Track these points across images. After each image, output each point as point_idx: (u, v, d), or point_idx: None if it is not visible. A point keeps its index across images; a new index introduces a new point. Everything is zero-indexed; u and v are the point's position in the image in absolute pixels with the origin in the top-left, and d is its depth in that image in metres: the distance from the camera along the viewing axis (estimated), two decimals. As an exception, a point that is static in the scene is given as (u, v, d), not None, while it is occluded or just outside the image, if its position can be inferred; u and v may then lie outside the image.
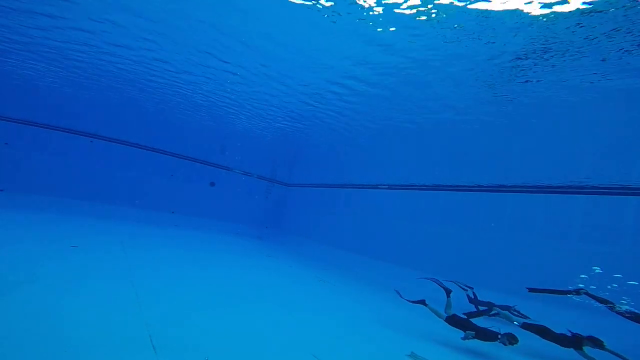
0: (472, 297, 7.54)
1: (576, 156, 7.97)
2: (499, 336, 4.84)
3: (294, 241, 16.03)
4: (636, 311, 5.04)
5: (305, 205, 17.37)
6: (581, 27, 5.08)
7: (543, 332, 5.02)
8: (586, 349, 4.60)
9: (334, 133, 13.46)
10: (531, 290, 6.11)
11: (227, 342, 3.71)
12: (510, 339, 4.74)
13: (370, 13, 5.72)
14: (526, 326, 5.25)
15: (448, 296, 5.86)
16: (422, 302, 5.95)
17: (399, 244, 11.32)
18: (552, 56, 5.87)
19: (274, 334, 4.27)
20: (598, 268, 6.70)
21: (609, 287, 6.18)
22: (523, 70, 6.44)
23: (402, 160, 12.67)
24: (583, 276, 6.78)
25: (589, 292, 5.55)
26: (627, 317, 5.09)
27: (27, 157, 13.30)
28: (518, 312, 6.66)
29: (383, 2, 5.43)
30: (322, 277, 9.12)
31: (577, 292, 5.60)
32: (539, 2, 4.84)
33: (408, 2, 5.31)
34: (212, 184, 16.84)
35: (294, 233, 17.09)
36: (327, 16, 5.92)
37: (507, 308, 6.60)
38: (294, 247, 14.95)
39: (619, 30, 5.00)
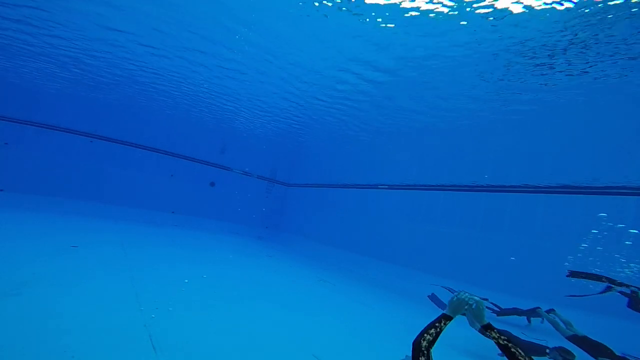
0: (498, 309, 6.97)
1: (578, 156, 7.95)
2: (548, 351, 3.98)
3: (294, 241, 16.02)
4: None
5: (306, 205, 17.35)
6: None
7: (598, 350, 3.94)
8: None
9: (335, 132, 13.45)
10: (572, 274, 5.27)
11: (228, 341, 3.70)
12: (565, 355, 3.89)
13: (381, 11, 5.66)
14: (575, 339, 4.19)
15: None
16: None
17: (400, 244, 11.30)
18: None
19: (274, 334, 4.25)
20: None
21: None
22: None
23: (403, 160, 12.65)
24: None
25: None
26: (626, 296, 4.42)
27: (27, 157, 13.28)
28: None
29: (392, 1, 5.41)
30: (322, 277, 9.10)
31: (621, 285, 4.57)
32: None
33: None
34: (212, 184, 16.82)
35: (294, 233, 17.08)
36: (339, 9, 5.78)
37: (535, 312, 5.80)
38: (294, 247, 14.94)
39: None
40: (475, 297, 2.28)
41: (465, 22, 5.55)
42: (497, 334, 2.11)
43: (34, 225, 8.53)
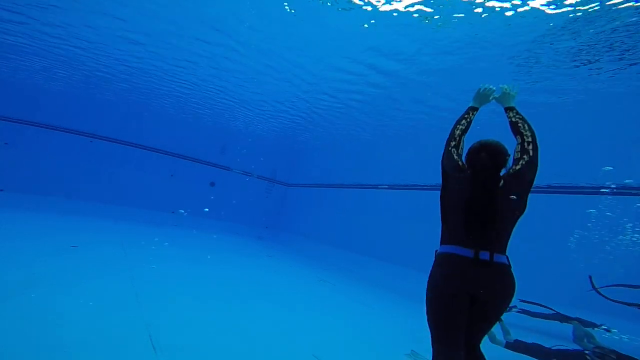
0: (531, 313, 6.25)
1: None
2: (587, 352, 3.51)
3: (294, 241, 16.02)
4: None
5: (306, 205, 17.34)
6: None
7: None
8: None
9: (337, 130, 13.43)
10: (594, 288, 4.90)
11: (228, 341, 3.69)
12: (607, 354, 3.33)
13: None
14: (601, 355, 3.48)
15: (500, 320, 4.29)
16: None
17: (400, 244, 11.28)
18: None
19: (274, 334, 4.25)
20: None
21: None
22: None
23: (403, 160, 12.63)
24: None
25: None
26: None
27: (27, 157, 13.27)
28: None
29: None
30: (322, 277, 9.10)
31: None
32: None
33: None
34: (212, 184, 16.82)
35: (294, 233, 17.07)
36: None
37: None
38: (295, 247, 14.94)
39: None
40: (503, 86, 2.46)
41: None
42: (514, 114, 2.31)
43: (34, 225, 8.53)
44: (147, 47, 8.80)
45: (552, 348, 3.99)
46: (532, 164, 2.05)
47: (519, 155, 2.10)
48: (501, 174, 2.08)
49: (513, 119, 2.30)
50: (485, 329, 1.99)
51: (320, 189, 16.42)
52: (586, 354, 3.59)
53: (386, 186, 12.86)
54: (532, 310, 6.30)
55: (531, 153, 2.07)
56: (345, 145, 15.17)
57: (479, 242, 1.93)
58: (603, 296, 5.32)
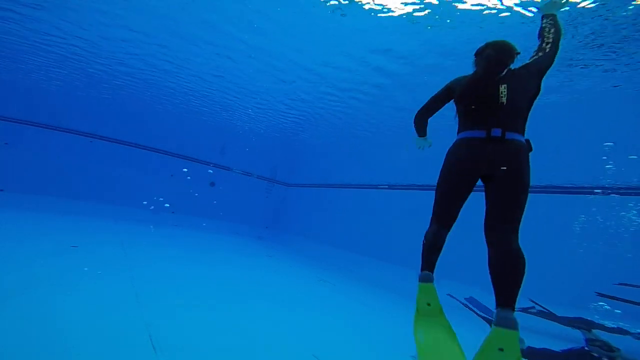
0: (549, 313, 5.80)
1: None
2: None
3: (294, 241, 16.01)
4: None
5: (306, 205, 17.33)
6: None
7: None
8: None
9: (337, 129, 13.41)
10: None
11: (228, 341, 3.69)
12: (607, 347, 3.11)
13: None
14: None
15: None
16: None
17: (401, 244, 11.27)
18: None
19: (274, 333, 4.24)
20: None
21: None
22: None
23: (403, 160, 12.62)
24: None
25: None
26: None
27: (27, 157, 13.27)
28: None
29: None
30: (322, 277, 9.09)
31: None
32: None
33: None
34: (212, 184, 16.81)
35: (294, 233, 17.06)
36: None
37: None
38: (295, 247, 14.93)
39: None
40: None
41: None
42: (548, 20, 2.27)
43: (34, 225, 8.52)
44: (147, 43, 8.73)
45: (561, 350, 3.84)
46: (546, 58, 2.08)
47: (535, 54, 2.16)
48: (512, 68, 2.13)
49: (543, 24, 2.28)
50: (511, 209, 2.13)
51: (320, 189, 16.41)
52: (587, 350, 3.50)
53: (386, 186, 12.86)
54: (549, 312, 5.99)
55: (547, 50, 2.11)
56: (345, 144, 15.17)
57: (491, 123, 2.00)
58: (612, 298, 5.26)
